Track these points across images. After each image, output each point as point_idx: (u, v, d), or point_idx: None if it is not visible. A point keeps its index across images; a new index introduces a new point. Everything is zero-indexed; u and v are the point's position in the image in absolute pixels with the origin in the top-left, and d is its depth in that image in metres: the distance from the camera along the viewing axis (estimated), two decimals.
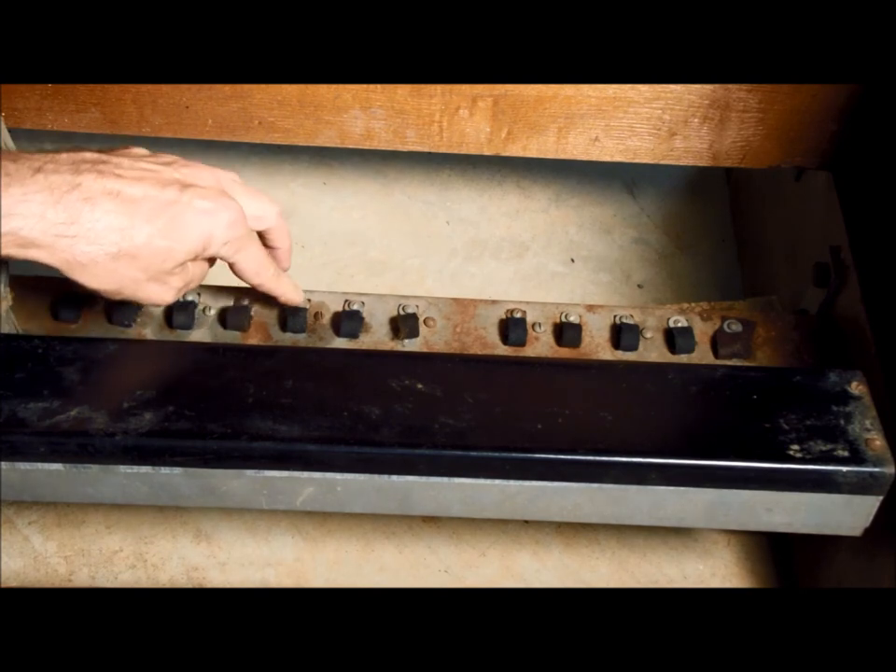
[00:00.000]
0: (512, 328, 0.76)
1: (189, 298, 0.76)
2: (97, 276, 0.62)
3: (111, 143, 0.70)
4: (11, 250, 0.60)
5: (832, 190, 0.82)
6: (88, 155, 0.63)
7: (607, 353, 0.77)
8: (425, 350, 0.76)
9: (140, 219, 0.62)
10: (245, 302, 0.77)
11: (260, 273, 0.71)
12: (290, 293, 0.75)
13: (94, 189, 0.61)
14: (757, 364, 0.76)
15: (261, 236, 0.72)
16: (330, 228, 1.09)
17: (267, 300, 0.77)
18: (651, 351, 0.77)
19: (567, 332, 0.76)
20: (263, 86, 0.80)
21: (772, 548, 0.88)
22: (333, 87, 0.80)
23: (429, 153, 0.84)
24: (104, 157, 0.64)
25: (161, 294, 0.66)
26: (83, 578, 0.84)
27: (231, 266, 0.70)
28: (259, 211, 0.70)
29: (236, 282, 0.79)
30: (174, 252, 0.64)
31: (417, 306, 0.78)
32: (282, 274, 0.74)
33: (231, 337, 0.76)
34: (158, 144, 0.78)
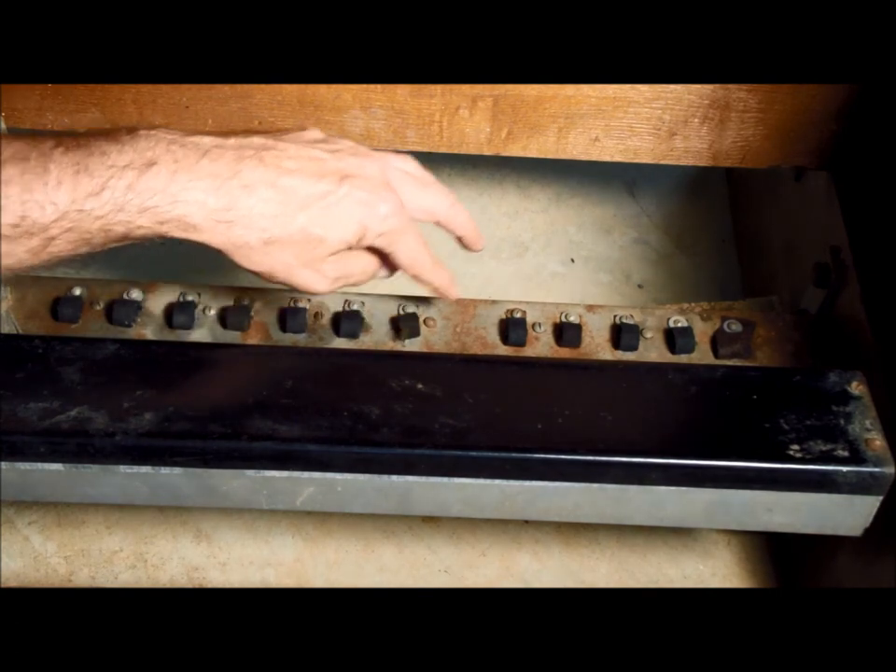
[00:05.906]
0: (512, 328, 0.76)
1: (189, 298, 0.76)
2: (251, 259, 0.64)
3: None
4: (176, 234, 0.61)
5: (832, 190, 0.82)
6: (256, 140, 0.64)
7: (607, 353, 0.77)
8: (425, 350, 0.76)
9: (294, 208, 0.63)
10: (246, 302, 0.77)
11: (415, 264, 0.70)
12: (445, 286, 0.73)
13: (253, 178, 0.62)
14: (757, 364, 0.76)
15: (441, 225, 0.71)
16: None
17: (266, 300, 0.77)
18: (651, 351, 0.77)
19: (566, 332, 0.76)
20: (263, 86, 0.80)
21: (772, 548, 0.88)
22: (333, 87, 0.80)
23: (429, 153, 0.84)
24: (270, 142, 0.64)
25: (314, 282, 0.66)
26: (83, 578, 0.83)
27: (388, 256, 0.69)
28: (428, 204, 0.69)
29: (236, 282, 0.79)
30: (325, 241, 0.64)
31: (417, 306, 0.78)
32: (440, 267, 0.72)
33: (231, 337, 0.76)
34: None
